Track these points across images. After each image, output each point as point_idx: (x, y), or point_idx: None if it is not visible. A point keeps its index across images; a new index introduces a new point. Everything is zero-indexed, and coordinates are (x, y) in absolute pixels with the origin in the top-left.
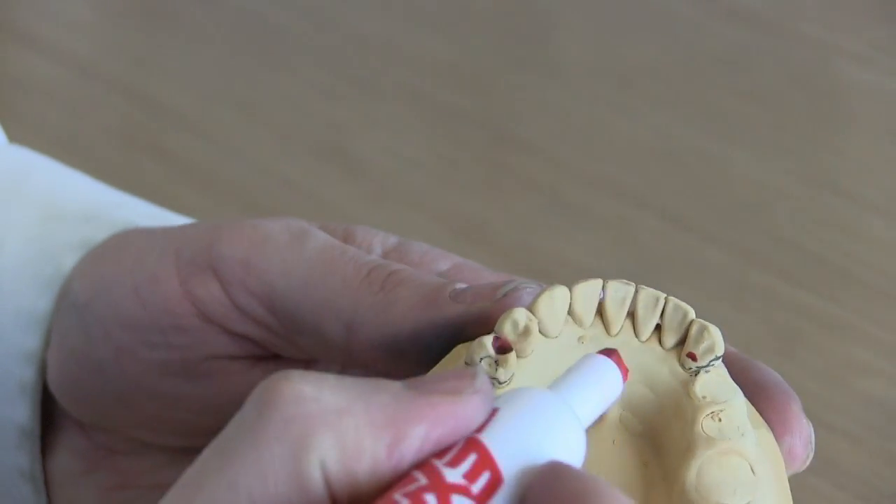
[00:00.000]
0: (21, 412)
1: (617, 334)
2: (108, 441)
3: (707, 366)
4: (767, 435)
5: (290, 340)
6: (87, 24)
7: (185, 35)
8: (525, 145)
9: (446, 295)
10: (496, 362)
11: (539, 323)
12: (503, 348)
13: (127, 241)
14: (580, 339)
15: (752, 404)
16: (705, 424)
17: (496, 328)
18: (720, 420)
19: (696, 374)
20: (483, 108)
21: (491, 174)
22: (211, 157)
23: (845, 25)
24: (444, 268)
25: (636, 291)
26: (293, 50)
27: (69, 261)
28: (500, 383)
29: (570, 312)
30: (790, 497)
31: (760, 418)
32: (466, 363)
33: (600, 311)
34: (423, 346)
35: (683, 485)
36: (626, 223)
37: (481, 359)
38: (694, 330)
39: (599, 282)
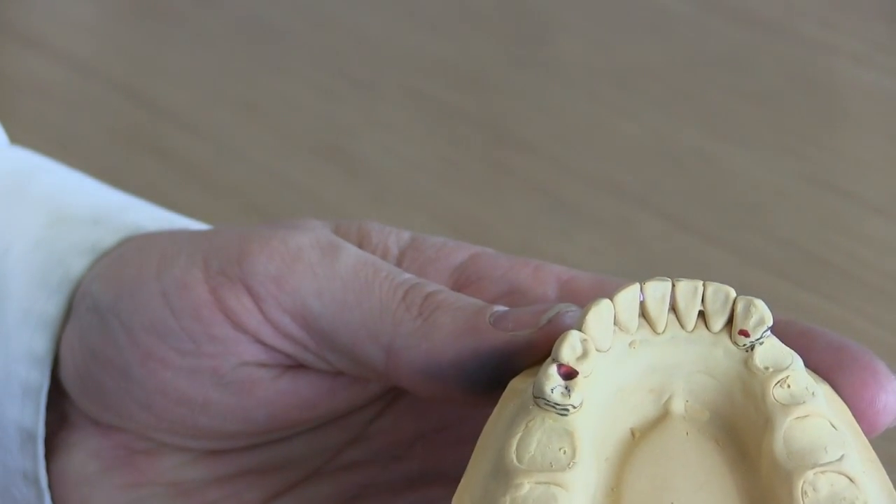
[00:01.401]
0: (25, 414)
1: (664, 331)
2: (127, 441)
3: (760, 338)
4: (828, 389)
5: (323, 359)
6: (87, 24)
7: (185, 35)
8: (525, 145)
9: (487, 321)
10: (567, 388)
11: (594, 340)
12: (569, 374)
13: (149, 245)
14: (631, 344)
15: (832, 367)
16: (776, 393)
17: (554, 355)
18: (789, 386)
19: (752, 349)
20: (483, 108)
21: (491, 174)
22: (211, 157)
23: (845, 25)
24: (462, 258)
25: (673, 286)
26: (293, 50)
27: (78, 264)
28: (574, 408)
29: (616, 322)
30: (867, 440)
31: (816, 375)
32: (536, 396)
33: (643, 314)
34: (467, 373)
35: (773, 455)
36: (626, 223)
37: (553, 389)
38: (740, 307)
39: (637, 286)
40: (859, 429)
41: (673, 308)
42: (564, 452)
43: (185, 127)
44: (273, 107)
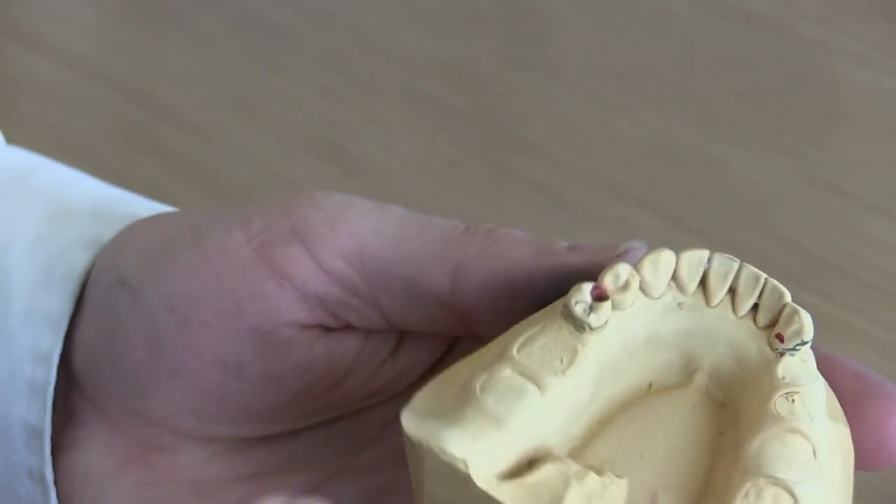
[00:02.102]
0: (31, 411)
1: (716, 306)
2: (141, 436)
3: (793, 349)
4: (844, 430)
5: (373, 302)
6: (87, 24)
7: (186, 35)
8: (525, 145)
9: (561, 246)
10: (590, 308)
11: (642, 282)
12: (600, 297)
13: (172, 221)
14: (680, 305)
15: (854, 394)
16: (778, 403)
17: (599, 278)
18: (793, 401)
19: (781, 356)
20: (483, 108)
21: (491, 174)
22: (211, 157)
23: (845, 25)
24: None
25: (739, 268)
26: (293, 50)
27: (80, 259)
28: (590, 328)
29: (675, 278)
30: (849, 495)
31: (841, 413)
32: (564, 305)
33: (703, 282)
34: (538, 291)
35: (745, 454)
36: (626, 223)
37: (576, 303)
38: (786, 313)
39: (706, 252)
40: (850, 481)
41: (732, 290)
42: (561, 362)
43: (185, 127)
44: (273, 107)
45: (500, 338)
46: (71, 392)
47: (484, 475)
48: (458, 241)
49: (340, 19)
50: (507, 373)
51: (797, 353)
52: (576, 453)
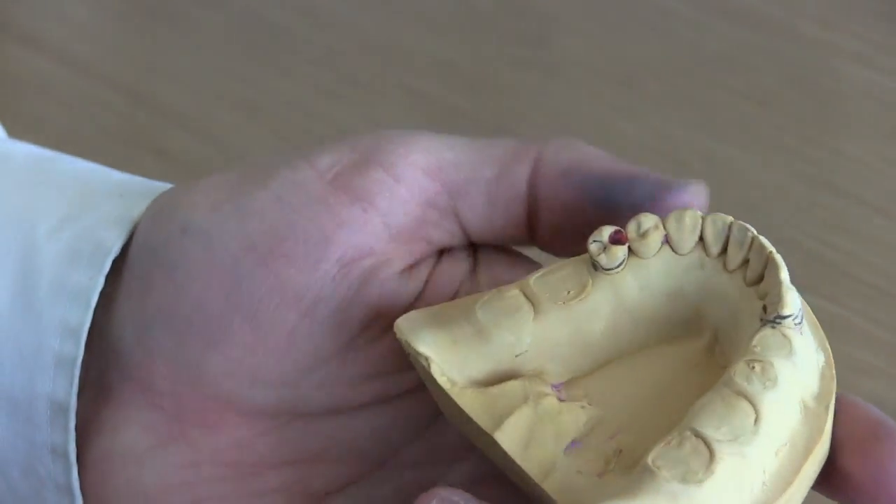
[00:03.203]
0: (57, 386)
1: (733, 272)
2: (186, 411)
3: (773, 321)
4: (822, 415)
5: (452, 213)
6: (87, 24)
7: (186, 35)
8: None
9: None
10: (604, 248)
11: (668, 236)
12: (617, 240)
13: (226, 176)
14: (702, 265)
15: (867, 437)
16: (738, 368)
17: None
18: (753, 369)
19: (762, 326)
20: (483, 108)
21: None
22: (211, 157)
23: (845, 25)
24: None
25: (753, 238)
26: (293, 50)
27: (110, 236)
28: (604, 270)
29: (703, 238)
30: (796, 477)
31: (829, 402)
32: (587, 246)
33: (724, 247)
34: (609, 189)
35: (690, 410)
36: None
37: (593, 241)
38: (774, 286)
39: (730, 218)
40: (804, 473)
41: (746, 259)
42: (568, 292)
43: (185, 127)
44: (273, 107)
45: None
46: (108, 372)
47: (448, 376)
48: (536, 141)
49: (340, 19)
50: (513, 292)
51: (777, 326)
52: (570, 383)
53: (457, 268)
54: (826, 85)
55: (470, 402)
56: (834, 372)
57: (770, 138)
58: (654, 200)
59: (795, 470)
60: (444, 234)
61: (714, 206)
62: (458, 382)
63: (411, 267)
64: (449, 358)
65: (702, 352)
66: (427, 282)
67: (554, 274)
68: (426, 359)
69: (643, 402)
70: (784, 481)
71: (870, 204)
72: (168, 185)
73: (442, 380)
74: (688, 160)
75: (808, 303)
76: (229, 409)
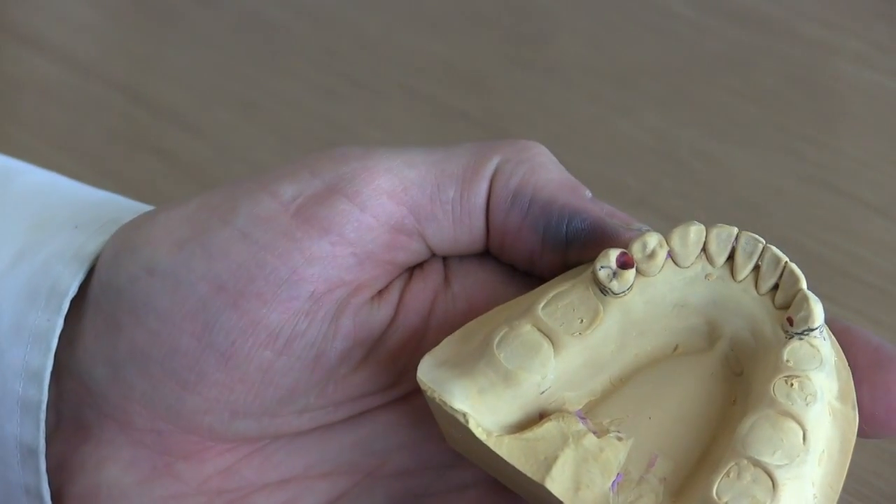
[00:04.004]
0: (24, 430)
1: (741, 281)
2: (168, 446)
3: (801, 334)
4: (850, 413)
5: (418, 234)
6: (87, 24)
7: (185, 35)
8: None
9: (586, 191)
10: (614, 274)
11: (671, 251)
12: (625, 264)
13: (185, 211)
14: (707, 276)
15: (870, 364)
16: (777, 386)
17: (629, 247)
18: (792, 385)
19: (789, 339)
20: (483, 108)
21: None
22: (211, 157)
23: (845, 25)
24: None
25: (764, 248)
26: (293, 50)
27: (65, 275)
28: (614, 294)
29: (705, 250)
30: (840, 480)
31: (851, 395)
32: (594, 272)
33: (731, 257)
34: (551, 219)
35: (737, 434)
36: None
37: (602, 267)
38: (798, 297)
39: (735, 229)
40: (843, 468)
41: (756, 268)
42: (581, 322)
43: (185, 127)
44: (273, 107)
45: (533, 292)
46: (83, 409)
47: (485, 429)
48: (495, 148)
49: (340, 19)
50: (526, 328)
51: (805, 338)
52: (591, 408)
53: (429, 282)
54: (826, 85)
55: (510, 452)
56: (846, 363)
57: (770, 138)
58: (586, 245)
59: (839, 475)
60: (412, 255)
61: (714, 206)
62: (494, 432)
63: (382, 291)
64: (479, 408)
65: (717, 361)
66: (400, 303)
67: (560, 301)
68: (464, 415)
69: (669, 420)
70: (832, 489)
71: (870, 204)
72: (124, 201)
73: (479, 432)
74: (688, 160)
75: None
76: (212, 439)
